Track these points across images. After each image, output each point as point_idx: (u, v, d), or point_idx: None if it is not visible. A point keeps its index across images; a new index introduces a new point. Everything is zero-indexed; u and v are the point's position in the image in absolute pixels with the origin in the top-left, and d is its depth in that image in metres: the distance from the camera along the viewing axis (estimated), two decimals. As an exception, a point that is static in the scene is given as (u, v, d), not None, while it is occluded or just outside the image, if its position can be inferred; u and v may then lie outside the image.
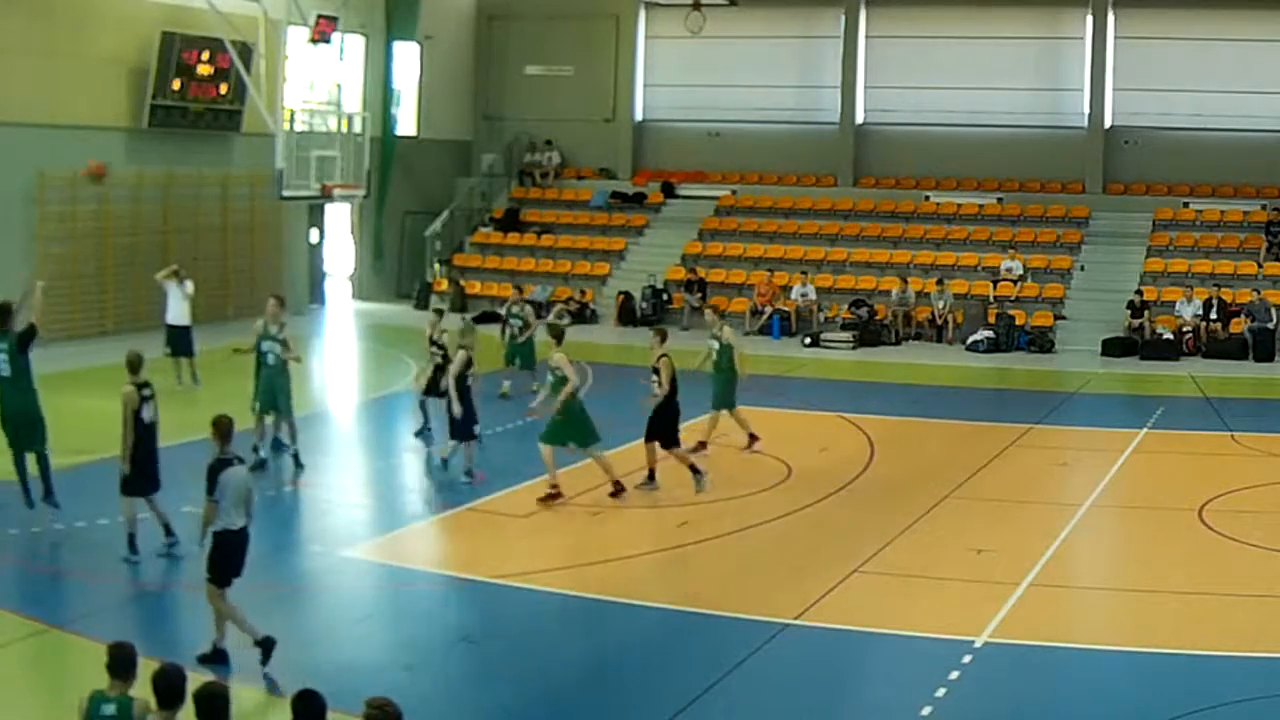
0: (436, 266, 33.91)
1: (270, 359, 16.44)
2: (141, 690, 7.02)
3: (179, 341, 21.51)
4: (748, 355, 19.31)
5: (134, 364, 12.98)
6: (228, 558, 10.54)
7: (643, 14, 36.38)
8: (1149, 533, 14.90)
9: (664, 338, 16.38)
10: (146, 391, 12.89)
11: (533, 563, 13.36)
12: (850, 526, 14.89)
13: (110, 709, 6.95)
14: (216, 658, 10.41)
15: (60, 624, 11.26)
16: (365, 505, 16.10)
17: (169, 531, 13.07)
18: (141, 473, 12.89)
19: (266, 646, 10.34)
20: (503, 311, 22.93)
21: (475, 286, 33.05)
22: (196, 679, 7.04)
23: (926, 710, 9.83)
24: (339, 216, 33.44)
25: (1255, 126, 31.33)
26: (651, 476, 15.99)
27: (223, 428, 10.62)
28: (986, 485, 16.63)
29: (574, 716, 10.16)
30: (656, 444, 15.92)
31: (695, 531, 14.49)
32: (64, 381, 22.45)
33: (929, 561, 13.62)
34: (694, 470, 15.87)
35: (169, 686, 6.87)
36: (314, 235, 32.54)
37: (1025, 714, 10.04)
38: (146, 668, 7.16)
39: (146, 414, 12.83)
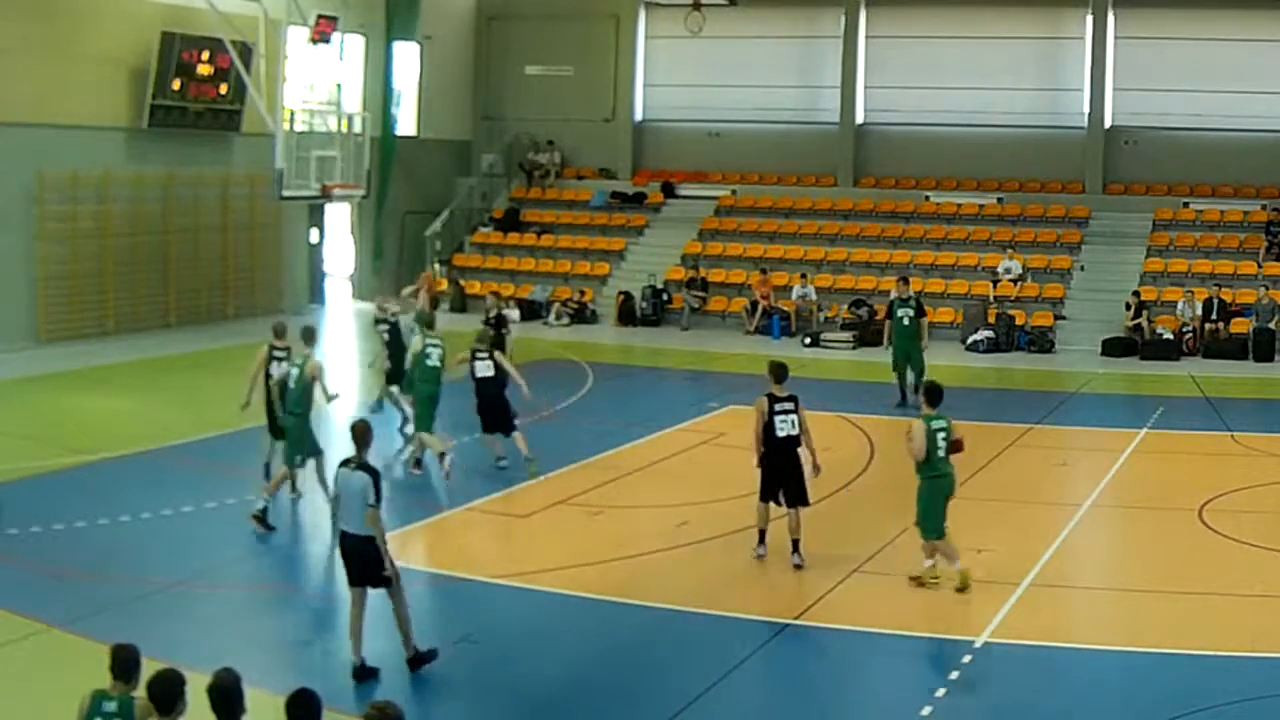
0: (436, 266, 33.91)
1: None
2: (144, 693, 6.97)
3: None
4: None
5: (277, 331, 15.50)
6: None
7: (643, 14, 36.37)
8: (1149, 533, 14.90)
9: None
10: (278, 353, 15.22)
11: (533, 563, 13.37)
12: (850, 526, 14.88)
13: (111, 706, 6.92)
14: None
15: (60, 624, 11.25)
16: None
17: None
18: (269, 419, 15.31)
19: None
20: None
21: (475, 286, 33.05)
22: (200, 679, 7.00)
23: (926, 710, 9.83)
24: (339, 216, 33.43)
25: (1255, 126, 31.31)
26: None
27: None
28: (986, 485, 16.59)
29: (574, 716, 10.15)
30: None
31: (695, 531, 14.50)
32: (64, 381, 22.53)
33: (929, 561, 13.61)
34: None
35: (165, 692, 6.78)
36: (314, 235, 32.55)
37: (1025, 714, 10.04)
38: (148, 669, 7.13)
39: (274, 371, 15.13)
